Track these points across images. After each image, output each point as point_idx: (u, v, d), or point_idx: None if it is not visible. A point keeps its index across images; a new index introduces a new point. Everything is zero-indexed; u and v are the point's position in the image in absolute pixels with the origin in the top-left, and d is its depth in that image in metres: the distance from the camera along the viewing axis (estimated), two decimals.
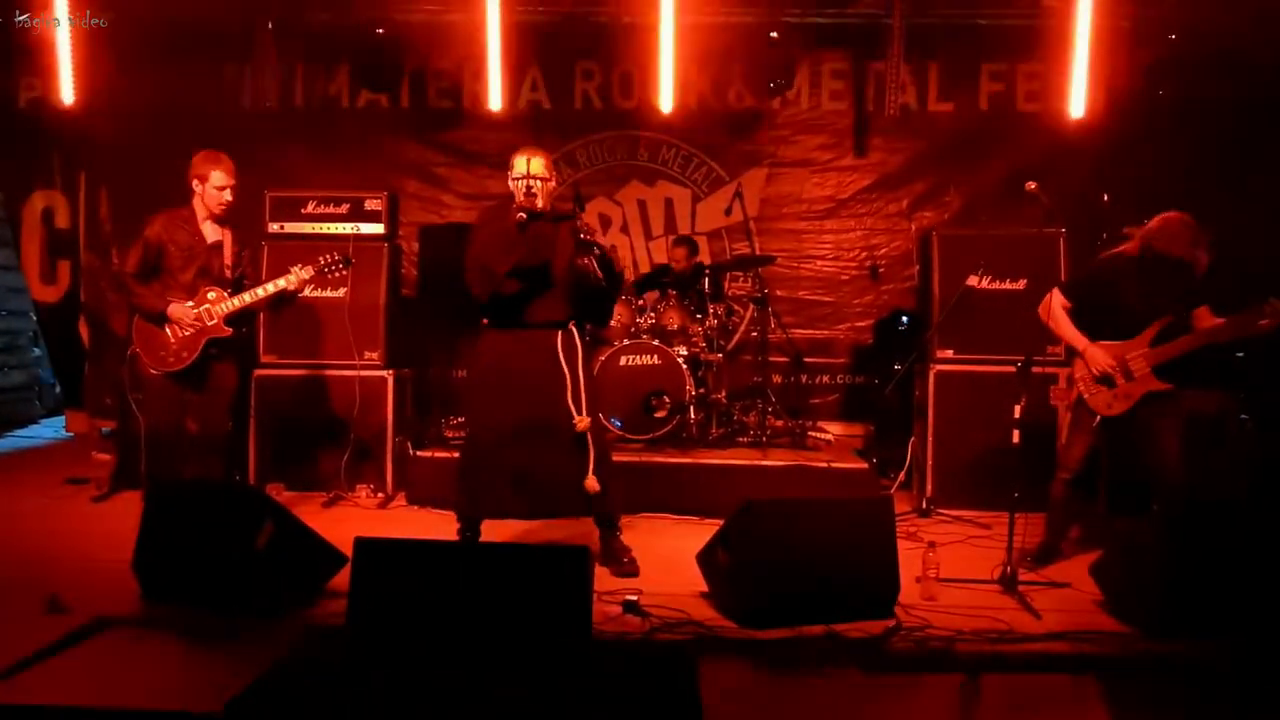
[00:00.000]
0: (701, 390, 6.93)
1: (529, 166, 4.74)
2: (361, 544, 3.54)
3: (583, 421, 4.68)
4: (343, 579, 3.80)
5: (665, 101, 7.40)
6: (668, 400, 6.59)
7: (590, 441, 4.72)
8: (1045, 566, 5.01)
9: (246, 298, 5.30)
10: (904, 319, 7.94)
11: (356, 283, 6.54)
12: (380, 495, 6.44)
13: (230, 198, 5.33)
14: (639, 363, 6.66)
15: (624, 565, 4.85)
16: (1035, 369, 4.78)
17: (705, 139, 8.46)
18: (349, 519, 5.90)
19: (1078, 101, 7.06)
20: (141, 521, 4.40)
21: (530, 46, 8.06)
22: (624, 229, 8.60)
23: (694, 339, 6.97)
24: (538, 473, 4.72)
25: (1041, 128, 7.69)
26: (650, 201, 8.59)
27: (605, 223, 8.56)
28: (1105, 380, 4.81)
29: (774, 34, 7.62)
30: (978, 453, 6.14)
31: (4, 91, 8.28)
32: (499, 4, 7.12)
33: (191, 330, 5.22)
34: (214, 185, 5.28)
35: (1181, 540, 4.09)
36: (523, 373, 4.74)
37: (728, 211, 7.61)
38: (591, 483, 4.70)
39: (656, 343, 6.72)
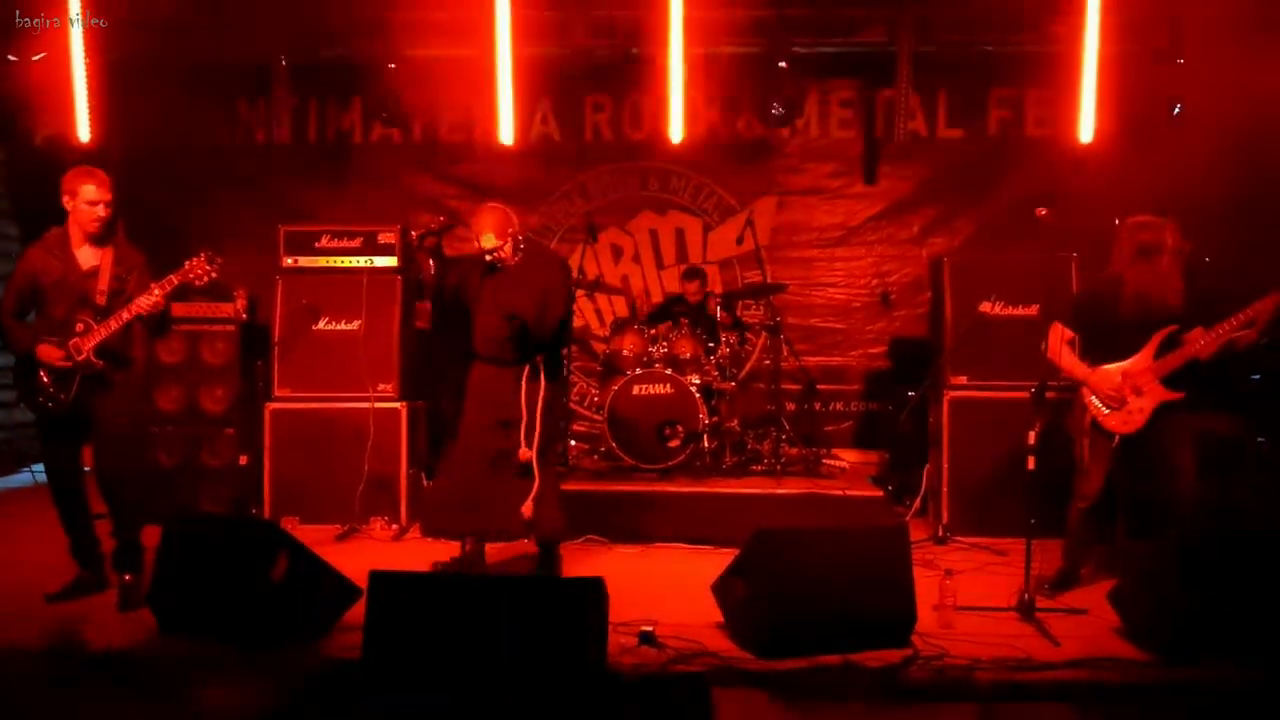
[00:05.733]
0: (715, 419, 6.93)
1: (482, 241, 5.06)
2: (376, 577, 3.54)
3: (525, 453, 5.00)
4: (357, 612, 3.80)
5: (675, 132, 7.44)
6: (681, 429, 6.59)
7: (536, 472, 5.01)
8: (1063, 593, 4.98)
9: (111, 324, 4.70)
10: (903, 355, 7.94)
11: (370, 315, 6.58)
12: (394, 527, 6.44)
13: (104, 213, 4.79)
14: (652, 392, 6.66)
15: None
16: (1050, 394, 4.77)
17: (715, 168, 8.50)
18: (363, 551, 5.91)
19: (1087, 126, 7.07)
20: (156, 556, 4.41)
21: (541, 80, 8.11)
22: (635, 259, 8.64)
23: (706, 368, 6.97)
24: (486, 497, 5.04)
25: (1051, 153, 7.71)
26: (661, 231, 8.63)
27: (617, 253, 8.61)
28: (1115, 400, 4.80)
29: (782, 63, 7.66)
30: (993, 479, 6.12)
31: (21, 130, 8.38)
32: (509, 38, 7.18)
33: (64, 368, 4.71)
34: (85, 200, 4.75)
35: (1198, 565, 4.06)
36: (493, 404, 5.09)
37: (739, 240, 7.62)
38: (528, 507, 4.97)
39: (669, 372, 6.73)
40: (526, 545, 5.44)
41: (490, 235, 5.03)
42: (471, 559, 5.33)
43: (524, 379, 5.08)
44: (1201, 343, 4.66)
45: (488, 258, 5.08)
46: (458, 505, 5.10)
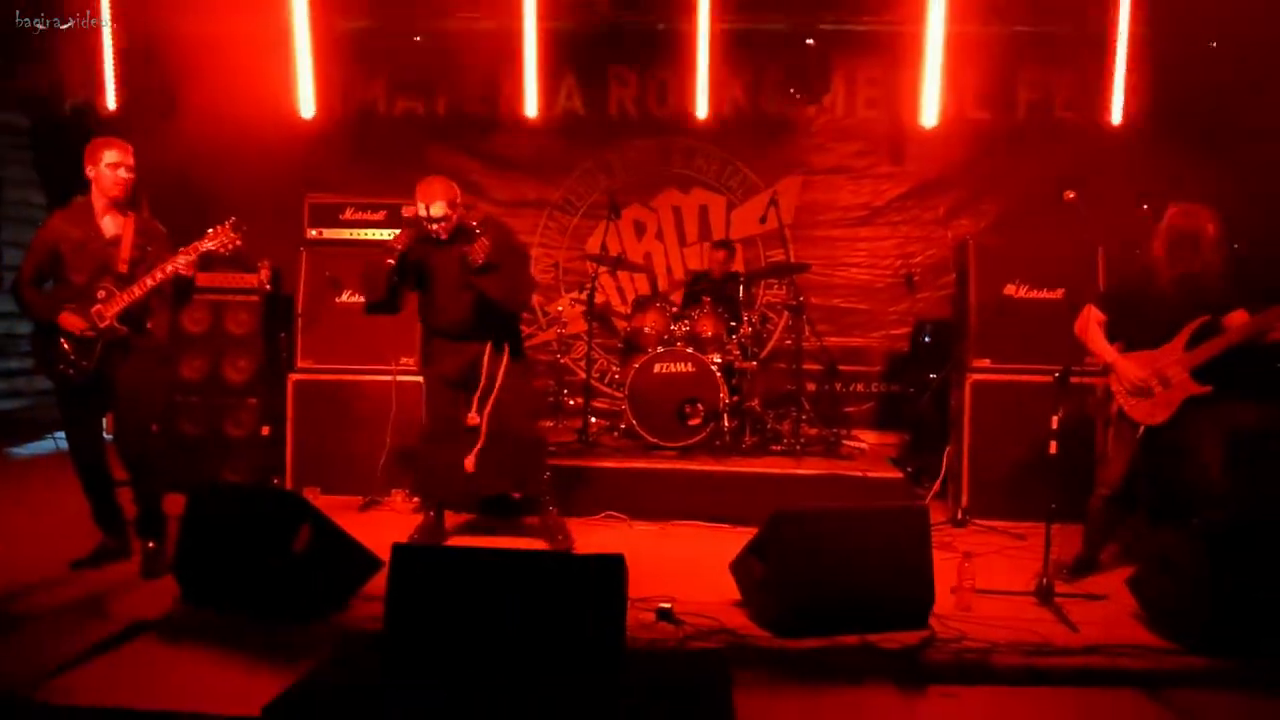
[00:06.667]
0: (735, 398, 6.93)
1: (429, 211, 5.08)
2: (399, 551, 3.56)
3: (472, 418, 5.21)
4: (379, 583, 3.83)
5: (700, 108, 7.41)
6: (701, 408, 6.60)
7: (483, 432, 5.21)
8: (1082, 578, 4.97)
9: (135, 290, 4.73)
10: (926, 337, 7.89)
11: None
12: (415, 499, 6.46)
13: (127, 176, 4.82)
14: (673, 370, 6.67)
15: (558, 541, 5.36)
16: (1073, 379, 4.74)
17: (740, 146, 8.47)
18: (385, 523, 5.94)
19: (1116, 109, 7.01)
20: (180, 525, 4.45)
21: (566, 54, 8.11)
22: (659, 235, 8.62)
23: (728, 346, 6.97)
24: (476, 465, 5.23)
25: (1079, 135, 7.65)
26: (685, 208, 8.60)
27: (640, 229, 8.59)
28: (1142, 389, 4.76)
29: (809, 40, 7.61)
30: (1014, 463, 6.10)
31: (50, 98, 8.41)
32: (535, 12, 7.16)
33: (86, 336, 4.73)
34: (107, 164, 4.78)
35: (1221, 555, 4.04)
36: (456, 376, 5.28)
37: (763, 219, 7.58)
38: (469, 462, 5.19)
39: (691, 350, 6.73)
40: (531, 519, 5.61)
41: (441, 204, 5.07)
42: (430, 527, 5.44)
43: (487, 353, 5.23)
44: (1246, 326, 4.59)
45: (433, 226, 5.08)
46: (448, 477, 5.29)
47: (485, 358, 5.24)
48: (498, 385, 5.22)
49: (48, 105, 8.46)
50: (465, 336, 5.25)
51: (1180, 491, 4.86)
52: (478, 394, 5.22)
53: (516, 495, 5.73)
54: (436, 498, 5.48)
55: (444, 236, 5.13)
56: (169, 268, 4.72)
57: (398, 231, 5.25)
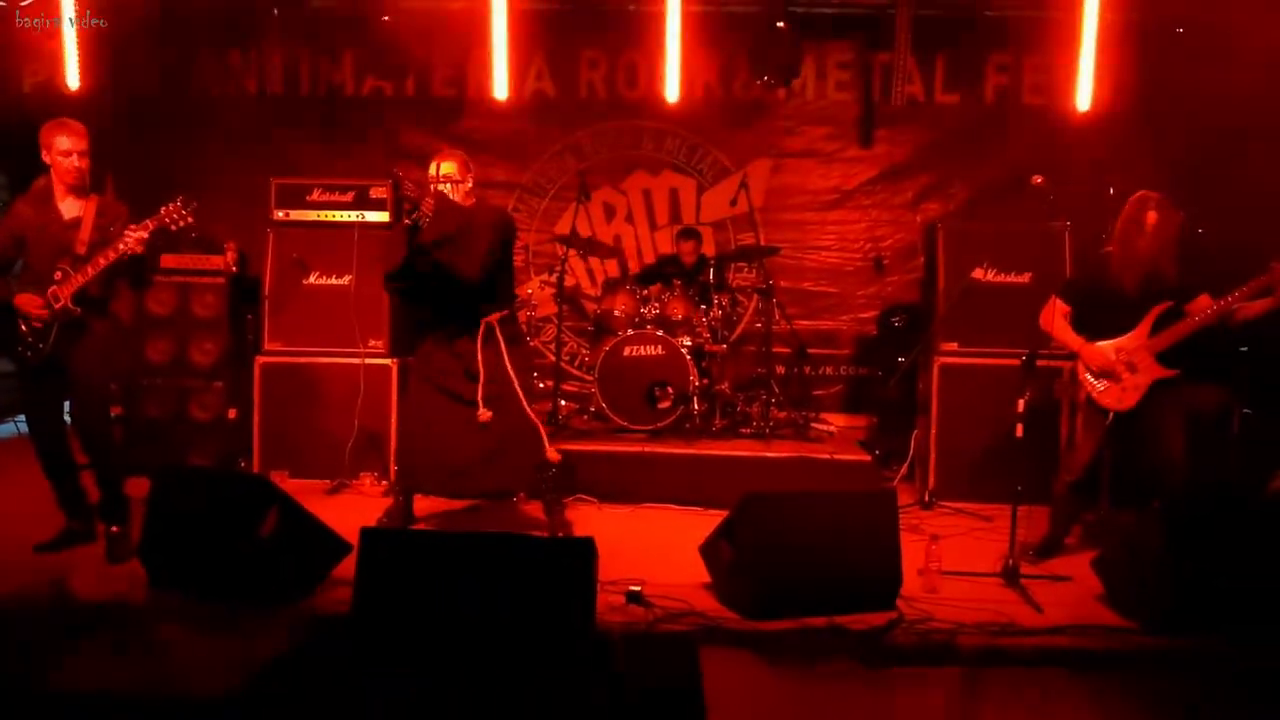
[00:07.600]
0: (705, 381, 6.94)
1: (439, 169, 5.05)
2: (367, 534, 3.56)
3: (484, 414, 4.97)
4: (347, 567, 3.81)
5: (671, 91, 7.37)
6: (671, 391, 6.60)
7: (535, 420, 5.10)
8: (1047, 560, 5.03)
9: (89, 270, 4.66)
10: (894, 320, 7.92)
11: (361, 271, 6.54)
12: (384, 483, 6.44)
13: (80, 163, 4.75)
14: (643, 353, 6.67)
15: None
16: (1040, 363, 4.78)
17: (711, 129, 8.45)
18: (353, 507, 5.91)
19: (1084, 94, 7.05)
20: (146, 509, 4.41)
21: (536, 35, 8.04)
22: (628, 218, 8.60)
23: (698, 329, 6.97)
24: (460, 456, 5.01)
25: (1047, 120, 7.68)
26: (655, 191, 8.58)
27: (610, 212, 8.56)
28: (1109, 375, 4.81)
29: (780, 23, 7.59)
30: (981, 446, 6.16)
31: (9, 77, 8.27)
32: None
33: (42, 318, 4.69)
34: (59, 152, 4.73)
35: (1184, 536, 4.10)
36: (450, 363, 5.08)
37: (733, 202, 7.58)
38: (553, 453, 5.14)
39: (661, 333, 6.73)
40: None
41: (452, 163, 5.07)
42: (399, 512, 5.34)
43: (479, 340, 5.05)
44: (1210, 310, 4.66)
45: (445, 187, 4.99)
46: (434, 465, 5.08)
47: (479, 346, 5.04)
48: (513, 378, 5.09)
49: (8, 84, 8.32)
50: (457, 320, 5.09)
51: (1145, 477, 4.92)
52: (480, 389, 4.99)
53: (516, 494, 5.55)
54: (425, 490, 5.31)
55: (454, 199, 4.96)
56: (120, 246, 4.64)
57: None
